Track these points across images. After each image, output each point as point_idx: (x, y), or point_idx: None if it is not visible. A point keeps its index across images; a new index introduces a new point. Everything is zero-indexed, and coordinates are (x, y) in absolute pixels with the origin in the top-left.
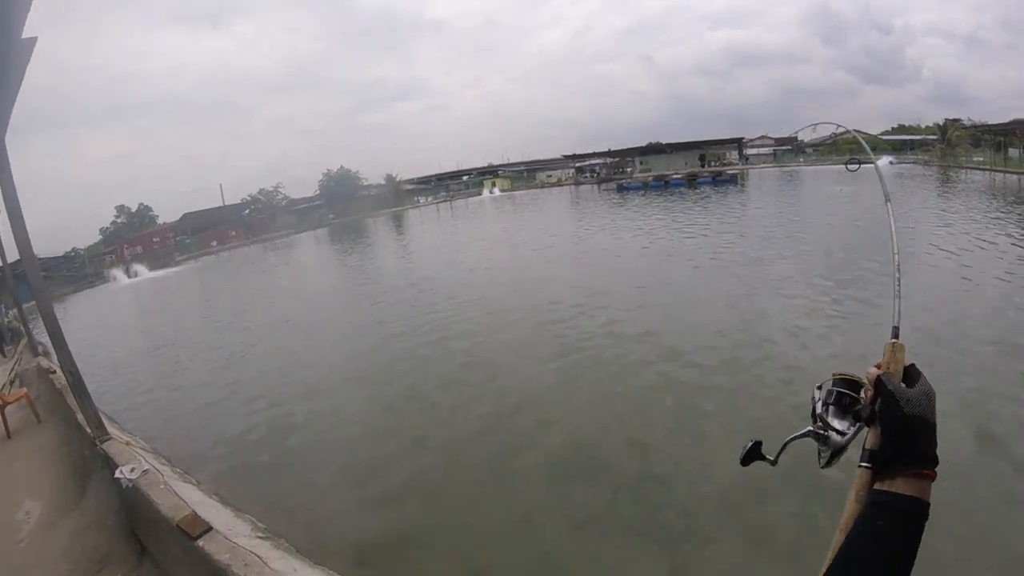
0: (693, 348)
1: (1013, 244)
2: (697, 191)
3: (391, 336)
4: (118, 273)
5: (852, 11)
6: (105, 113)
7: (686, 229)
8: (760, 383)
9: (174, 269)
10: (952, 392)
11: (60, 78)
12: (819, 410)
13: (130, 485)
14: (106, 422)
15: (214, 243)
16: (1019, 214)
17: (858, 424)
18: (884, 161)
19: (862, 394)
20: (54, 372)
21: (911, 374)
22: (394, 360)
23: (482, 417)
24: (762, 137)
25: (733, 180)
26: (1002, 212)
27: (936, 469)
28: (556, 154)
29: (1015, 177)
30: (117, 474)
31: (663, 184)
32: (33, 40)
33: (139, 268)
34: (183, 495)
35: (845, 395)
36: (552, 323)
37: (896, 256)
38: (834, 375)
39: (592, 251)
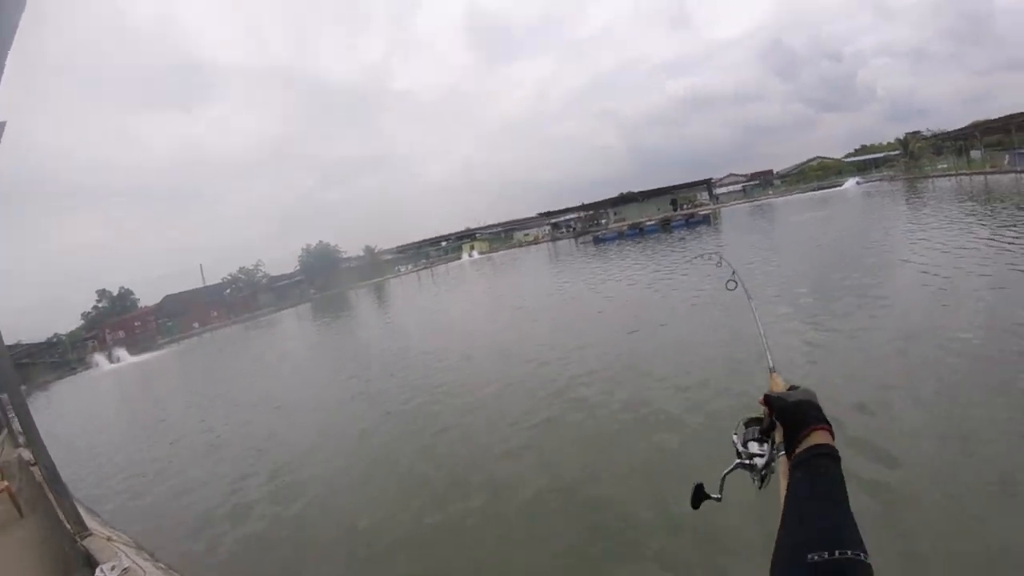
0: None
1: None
2: (672, 235)
3: (377, 413)
4: (101, 359)
5: (803, 45)
6: (80, 198)
7: (664, 272)
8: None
9: (156, 353)
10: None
11: (36, 162)
12: (739, 448)
13: None
14: (87, 516)
15: (195, 325)
16: (985, 212)
17: (769, 440)
18: (851, 182)
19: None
20: (35, 464)
21: (792, 388)
22: (386, 441)
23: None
24: (730, 175)
25: (706, 220)
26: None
27: (830, 425)
28: (531, 212)
29: (980, 177)
30: (98, 573)
31: (638, 231)
32: (2, 124)
33: (121, 353)
34: None
35: (752, 428)
36: (544, 379)
37: (757, 320)
38: (741, 421)
39: (580, 302)
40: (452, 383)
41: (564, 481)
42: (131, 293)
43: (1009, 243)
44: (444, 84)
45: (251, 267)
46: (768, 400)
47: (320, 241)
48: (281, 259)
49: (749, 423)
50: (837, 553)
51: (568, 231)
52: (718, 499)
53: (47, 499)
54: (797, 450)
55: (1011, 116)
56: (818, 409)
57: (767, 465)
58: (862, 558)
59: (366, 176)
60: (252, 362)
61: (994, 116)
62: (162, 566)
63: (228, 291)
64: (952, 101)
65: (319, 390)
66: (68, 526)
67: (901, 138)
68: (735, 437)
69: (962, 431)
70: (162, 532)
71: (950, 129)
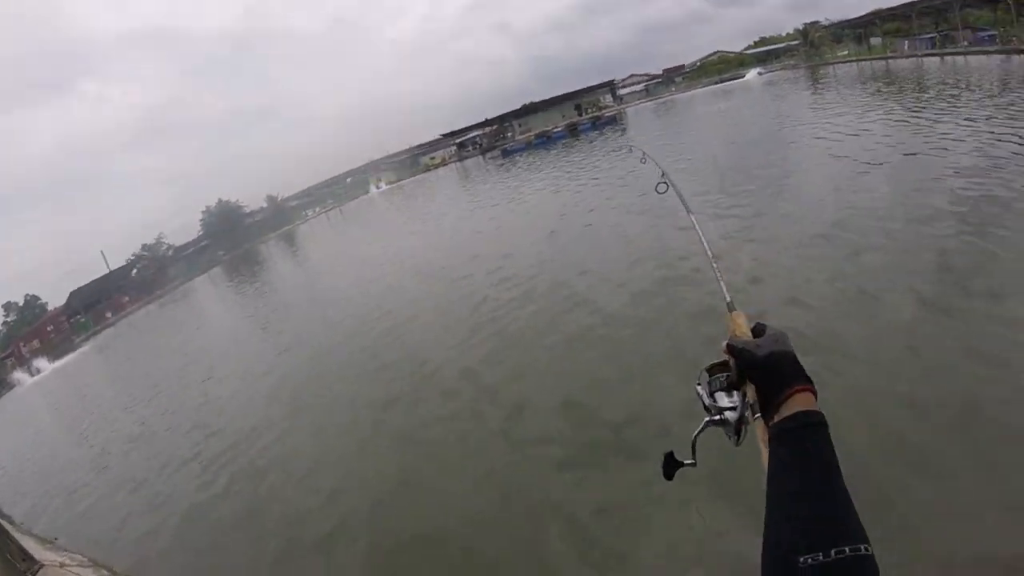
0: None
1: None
2: (581, 139)
3: (315, 365)
4: (21, 375)
5: None
6: None
7: (581, 173)
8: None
9: (76, 353)
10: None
11: None
12: (707, 401)
13: None
14: (38, 546)
15: (109, 315)
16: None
17: (740, 392)
18: (753, 72)
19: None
20: None
21: (758, 330)
22: (325, 402)
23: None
24: (631, 76)
25: (613, 120)
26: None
27: (812, 383)
28: (435, 135)
29: (881, 62)
30: None
31: (546, 139)
32: None
33: (41, 364)
34: None
35: (717, 377)
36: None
37: (708, 250)
38: (704, 368)
39: (498, 217)
40: (385, 312)
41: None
42: (38, 299)
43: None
44: (327, 16)
45: (153, 242)
46: (733, 351)
47: (220, 200)
48: (184, 226)
49: (713, 369)
50: (834, 553)
51: (475, 148)
52: (693, 464)
53: None
54: (776, 417)
55: (911, 3)
56: (796, 362)
57: (741, 418)
58: (863, 551)
59: (261, 125)
60: (174, 340)
61: (894, 3)
62: None
63: (135, 272)
64: None
65: (248, 352)
66: (17, 565)
67: (801, 28)
68: (699, 388)
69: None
70: (120, 535)
71: (849, 18)
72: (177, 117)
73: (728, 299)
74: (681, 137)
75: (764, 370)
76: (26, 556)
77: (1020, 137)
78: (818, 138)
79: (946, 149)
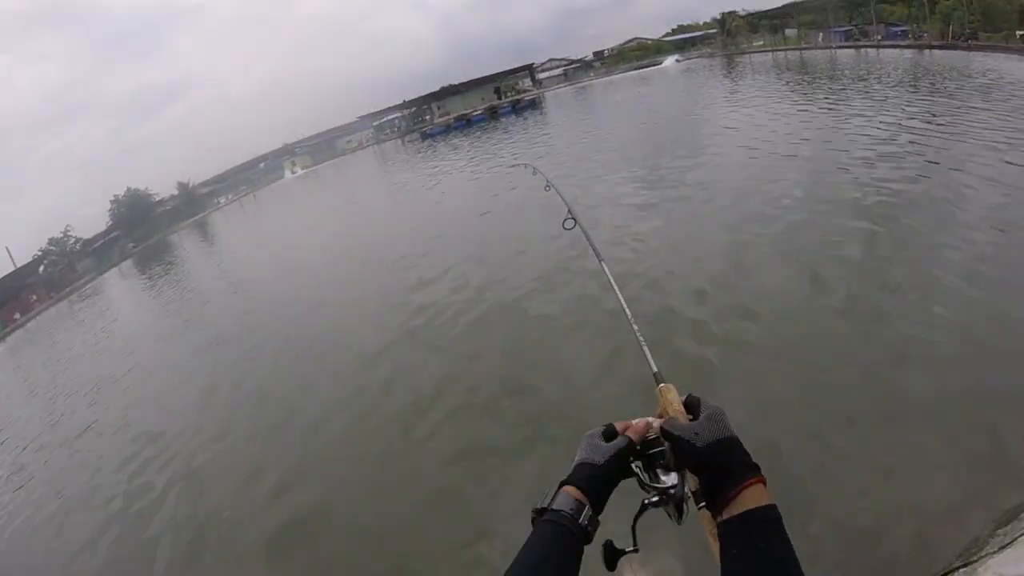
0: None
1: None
2: (501, 121)
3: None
4: None
5: None
6: None
7: (499, 155)
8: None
9: None
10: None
11: None
12: (645, 480)
13: None
14: None
15: (18, 316)
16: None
17: (680, 473)
18: (671, 60)
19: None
20: None
21: (691, 404)
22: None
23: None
24: (550, 60)
25: (533, 104)
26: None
27: (761, 472)
28: (351, 118)
29: (796, 53)
30: None
31: (466, 123)
32: None
33: None
34: None
35: (654, 454)
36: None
37: (630, 318)
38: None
39: (421, 200)
40: (306, 304)
41: None
42: None
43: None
44: None
45: (60, 235)
46: (668, 437)
47: (129, 188)
48: (92, 217)
49: (648, 444)
50: None
51: (393, 132)
52: (635, 550)
53: None
54: (726, 514)
55: None
56: (742, 452)
57: (683, 496)
58: None
59: (170, 106)
60: (89, 340)
61: None
62: None
63: (42, 269)
64: None
65: (164, 349)
66: None
67: (718, 17)
68: (635, 465)
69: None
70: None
71: (765, 8)
72: (82, 98)
73: (655, 370)
74: (597, 123)
75: (707, 463)
76: None
77: (920, 127)
78: (729, 128)
79: (852, 139)
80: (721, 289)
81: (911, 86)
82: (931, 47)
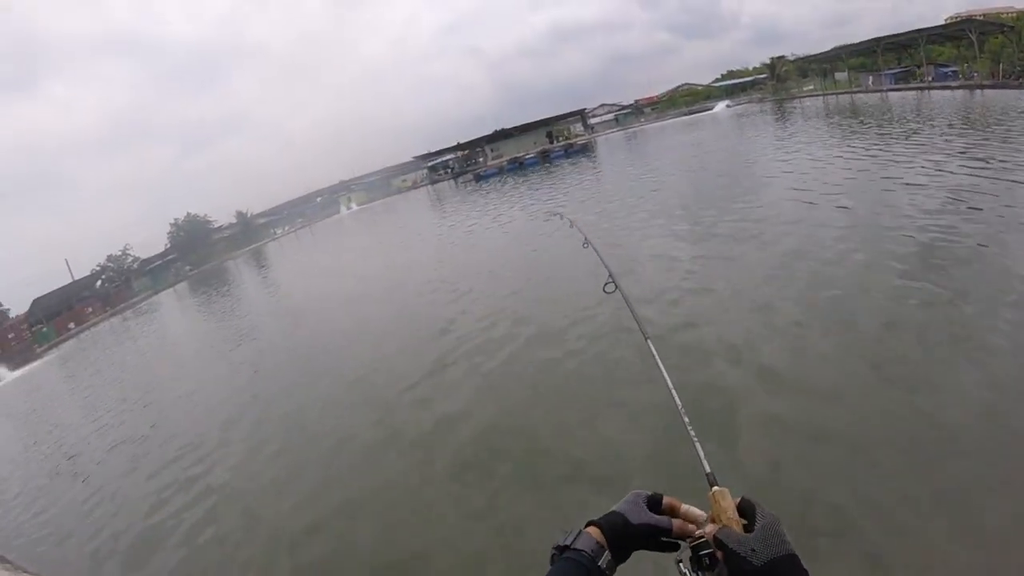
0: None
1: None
2: (553, 166)
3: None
4: None
5: None
6: None
7: (555, 200)
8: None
9: (38, 363)
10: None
11: None
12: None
13: None
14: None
15: (72, 325)
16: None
17: None
18: (721, 105)
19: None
20: None
21: (746, 509)
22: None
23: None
24: (601, 105)
25: (584, 149)
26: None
27: None
28: (406, 158)
29: (847, 97)
30: None
31: (518, 165)
32: None
33: (1, 372)
34: None
35: (705, 555)
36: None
37: (681, 409)
38: (688, 545)
39: (476, 239)
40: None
41: None
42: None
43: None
44: (301, 34)
45: (118, 253)
46: (722, 548)
47: (188, 213)
48: (150, 239)
49: (699, 546)
50: None
51: (446, 172)
52: None
53: None
54: None
55: (877, 39)
56: (793, 564)
57: None
58: None
59: (230, 138)
60: (140, 354)
61: (856, 39)
62: None
63: (99, 283)
64: (812, 25)
65: (214, 372)
66: None
67: (768, 62)
68: (682, 566)
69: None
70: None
71: (814, 52)
72: (145, 126)
73: (708, 470)
74: (648, 169)
75: None
76: None
77: (977, 170)
78: (785, 174)
79: (907, 183)
80: (777, 365)
81: (964, 128)
82: (982, 87)
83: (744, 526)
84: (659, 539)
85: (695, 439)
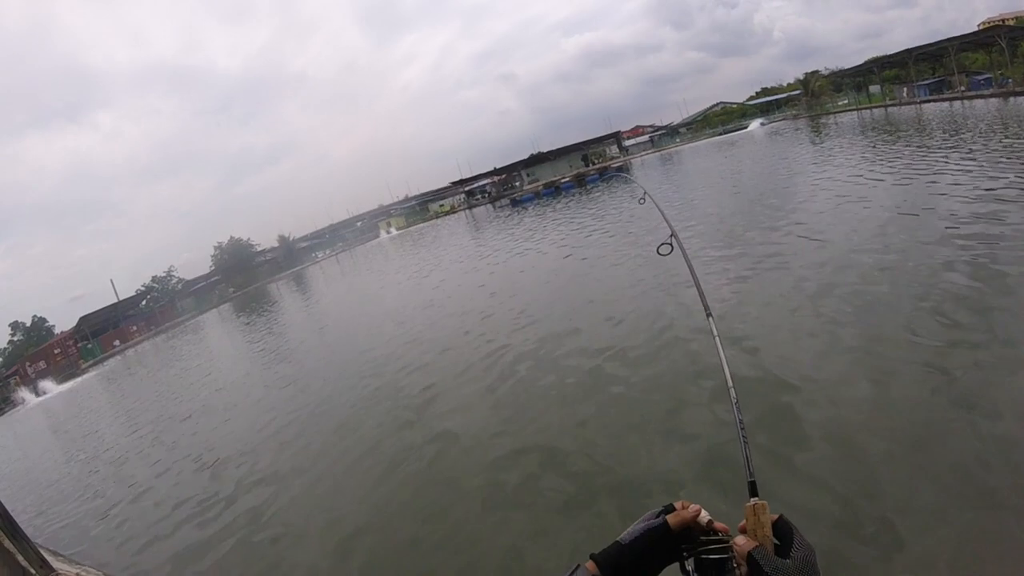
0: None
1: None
2: (589, 189)
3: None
4: (26, 395)
5: None
6: None
7: (594, 225)
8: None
9: (82, 378)
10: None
11: None
12: None
13: None
14: (50, 558)
15: (116, 343)
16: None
17: None
18: (756, 123)
19: (734, 561)
20: None
21: (782, 531)
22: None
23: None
24: (636, 128)
25: (620, 171)
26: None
27: None
28: (444, 183)
29: (881, 110)
30: None
31: (554, 190)
32: None
33: (47, 385)
34: None
35: (714, 559)
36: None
37: (735, 400)
38: (698, 540)
39: (509, 267)
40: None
41: None
42: (45, 321)
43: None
44: (340, 64)
45: (163, 274)
46: (755, 566)
47: (232, 237)
48: (194, 261)
49: (708, 549)
50: None
51: (484, 197)
52: None
53: (3, 550)
54: None
55: (908, 50)
56: None
57: None
58: None
59: (272, 165)
60: (185, 373)
61: (890, 50)
62: None
63: (144, 303)
64: (845, 38)
65: (258, 394)
66: (32, 571)
67: (801, 78)
68: (688, 565)
69: None
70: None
71: (847, 66)
72: (189, 152)
73: (752, 478)
74: (685, 190)
75: None
76: (42, 562)
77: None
78: (824, 190)
79: (944, 194)
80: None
81: (1001, 136)
82: (1014, 93)
83: (776, 546)
84: (661, 548)
85: (744, 439)
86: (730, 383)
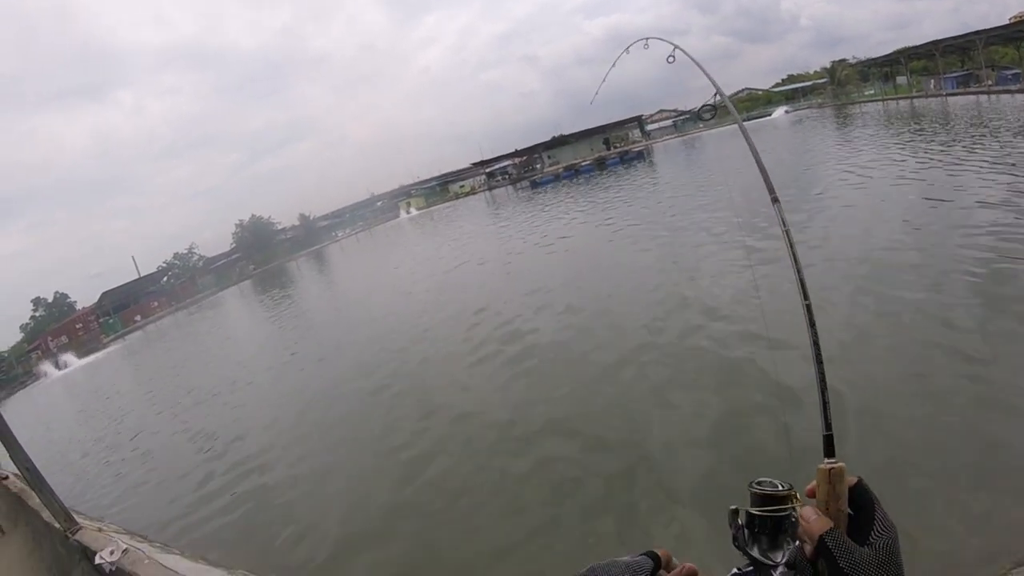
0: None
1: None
2: (608, 172)
3: (341, 380)
4: (48, 368)
5: None
6: None
7: (605, 208)
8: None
9: (104, 352)
10: None
11: None
12: (748, 546)
13: (113, 568)
14: (73, 514)
15: (138, 318)
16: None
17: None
18: (780, 111)
19: (795, 528)
20: (6, 478)
21: (860, 502)
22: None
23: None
24: (660, 111)
25: (640, 156)
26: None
27: None
28: (464, 164)
29: (907, 102)
30: (97, 560)
31: (574, 173)
32: None
33: (68, 358)
34: (170, 565)
35: (771, 519)
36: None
37: (813, 340)
38: (753, 490)
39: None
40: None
41: None
42: (67, 296)
43: None
44: (361, 44)
45: (184, 251)
46: (825, 552)
47: (253, 215)
48: (215, 238)
49: (764, 503)
50: None
51: (504, 179)
52: None
53: (27, 509)
54: None
55: (936, 42)
56: None
57: None
58: None
59: (293, 144)
60: (206, 347)
61: (919, 42)
62: (158, 545)
63: (165, 279)
64: (873, 27)
65: (277, 370)
66: (57, 525)
67: (828, 66)
68: (737, 519)
69: None
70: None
71: (875, 56)
72: (211, 131)
73: (828, 430)
74: (707, 177)
75: None
76: (68, 516)
77: None
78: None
79: (964, 189)
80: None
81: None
82: None
83: (849, 518)
84: None
85: (822, 380)
86: (808, 311)
